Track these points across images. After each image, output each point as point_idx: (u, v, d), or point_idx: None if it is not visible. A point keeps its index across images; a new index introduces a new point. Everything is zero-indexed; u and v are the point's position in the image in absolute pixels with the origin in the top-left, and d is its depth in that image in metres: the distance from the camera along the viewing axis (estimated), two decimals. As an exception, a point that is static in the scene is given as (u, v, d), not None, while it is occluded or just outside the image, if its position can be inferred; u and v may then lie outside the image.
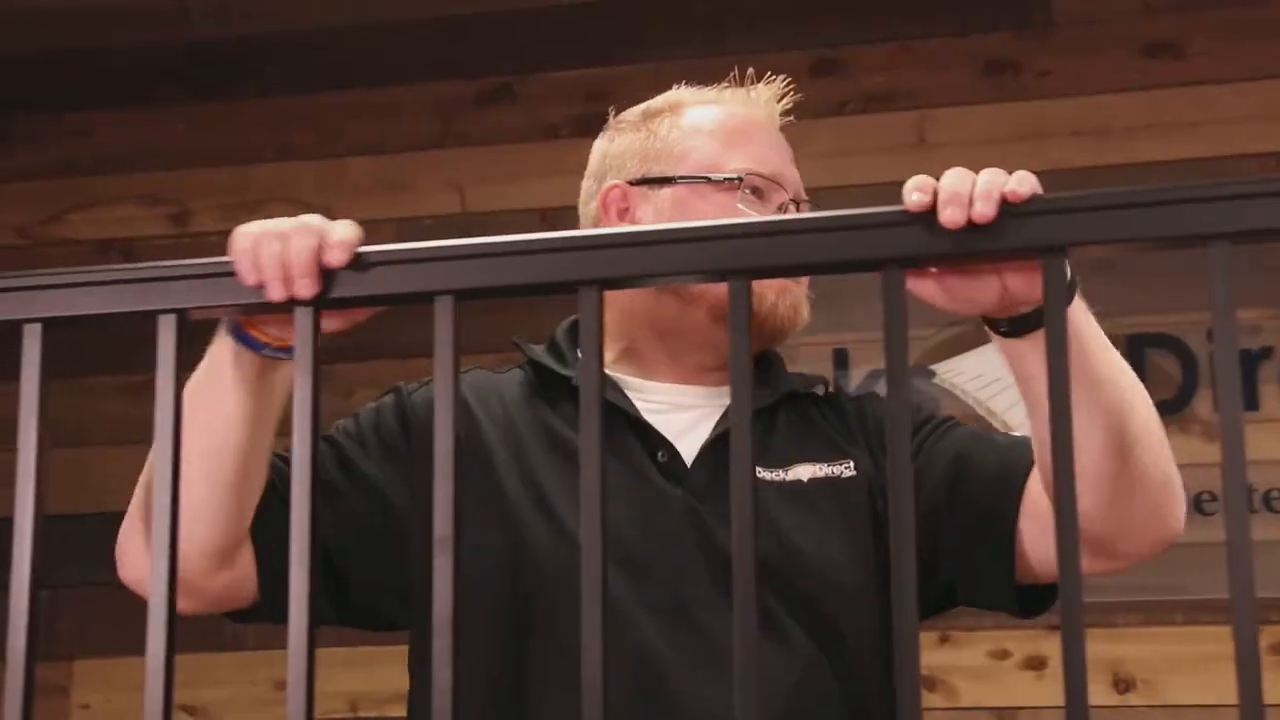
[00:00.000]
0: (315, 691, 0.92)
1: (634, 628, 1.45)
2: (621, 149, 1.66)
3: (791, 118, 1.71)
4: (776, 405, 1.60)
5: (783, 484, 1.53)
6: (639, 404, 1.57)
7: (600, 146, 1.70)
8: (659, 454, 1.54)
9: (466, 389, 1.58)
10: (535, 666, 1.46)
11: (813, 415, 1.61)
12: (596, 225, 1.66)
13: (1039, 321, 1.22)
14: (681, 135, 1.63)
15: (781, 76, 1.71)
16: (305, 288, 1.07)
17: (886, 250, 0.92)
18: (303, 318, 0.99)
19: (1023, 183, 1.03)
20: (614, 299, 1.57)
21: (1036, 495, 1.47)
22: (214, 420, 1.34)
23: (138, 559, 1.39)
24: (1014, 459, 1.51)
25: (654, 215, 1.61)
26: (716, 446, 1.53)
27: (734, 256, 0.93)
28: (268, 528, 1.42)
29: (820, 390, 1.64)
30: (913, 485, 0.88)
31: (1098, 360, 1.31)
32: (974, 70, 3.43)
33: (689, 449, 1.55)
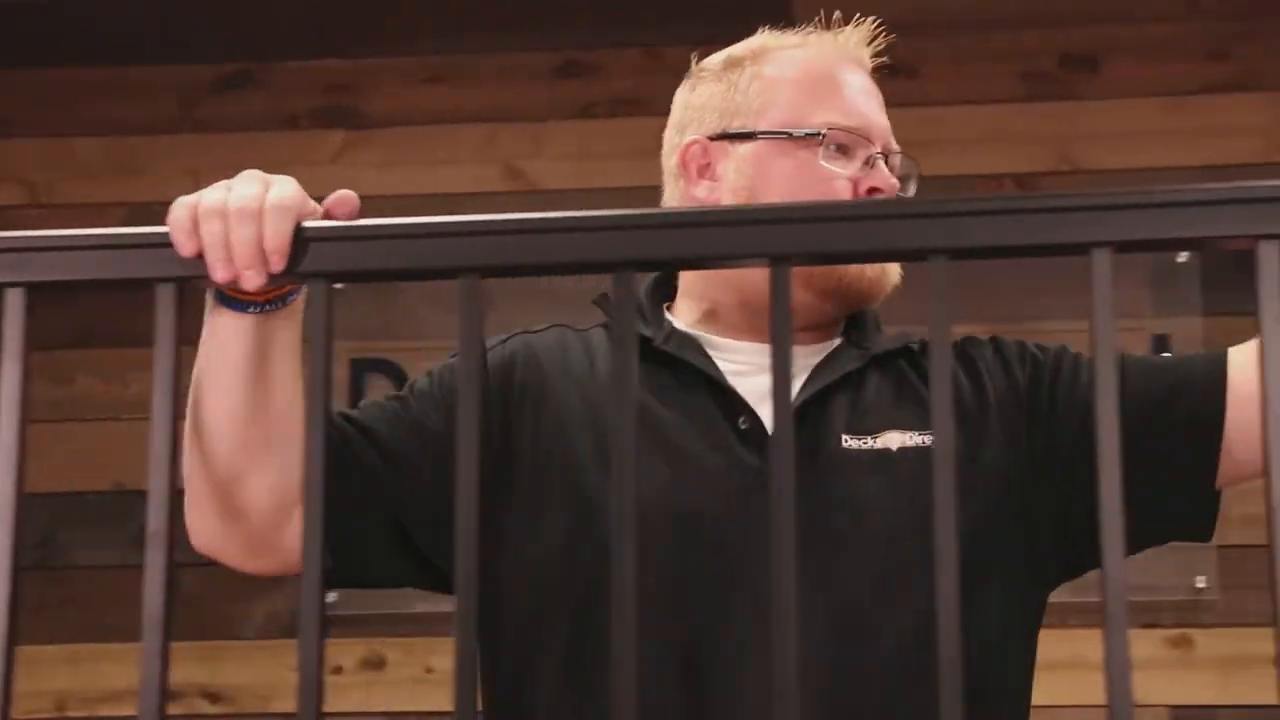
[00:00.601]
0: (14, 692, 0.88)
1: (696, 599, 1.40)
2: (702, 100, 1.59)
3: (885, 58, 1.61)
4: (866, 367, 1.51)
5: (869, 451, 1.45)
6: (722, 365, 1.50)
7: (681, 96, 1.62)
8: (740, 420, 1.46)
9: (545, 345, 1.53)
10: (599, 634, 1.39)
11: (908, 377, 1.52)
12: (676, 181, 1.59)
13: None
14: (762, 86, 1.55)
15: (873, 18, 1.61)
16: (250, 279, 1.07)
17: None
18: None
19: None
20: None
21: (1248, 386, 1.41)
22: (233, 387, 1.32)
23: (198, 527, 1.38)
24: (1197, 363, 1.48)
25: (734, 173, 1.54)
26: (801, 414, 1.45)
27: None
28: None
29: (915, 345, 1.55)
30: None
31: None
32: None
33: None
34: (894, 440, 1.45)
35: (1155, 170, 3.37)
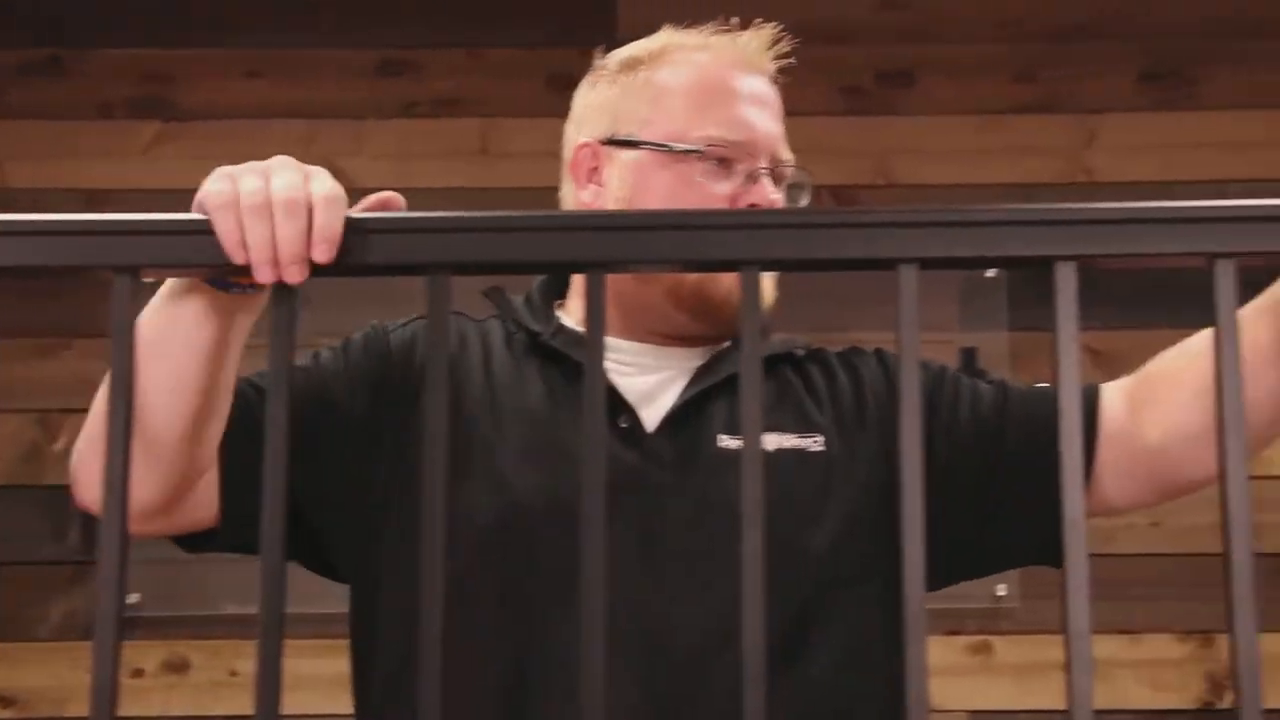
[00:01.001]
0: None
1: (570, 605, 1.38)
2: (597, 101, 1.57)
3: (792, 60, 1.60)
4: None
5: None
6: (611, 363, 1.46)
7: (580, 93, 1.60)
8: (620, 419, 1.46)
9: (452, 334, 1.50)
10: (526, 634, 1.40)
11: (790, 381, 1.53)
12: (568, 180, 1.58)
13: None
14: (653, 94, 1.53)
15: (774, 24, 1.60)
16: (294, 274, 1.05)
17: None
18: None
19: None
20: None
21: (1117, 426, 1.45)
22: (177, 352, 1.28)
23: (92, 479, 1.30)
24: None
25: (617, 180, 1.53)
26: (680, 415, 1.47)
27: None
28: (233, 454, 1.35)
29: (800, 352, 1.56)
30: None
31: None
32: (540, 83, 3.47)
33: (653, 415, 1.48)
34: (770, 442, 1.46)
35: (967, 186, 3.45)
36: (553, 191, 3.69)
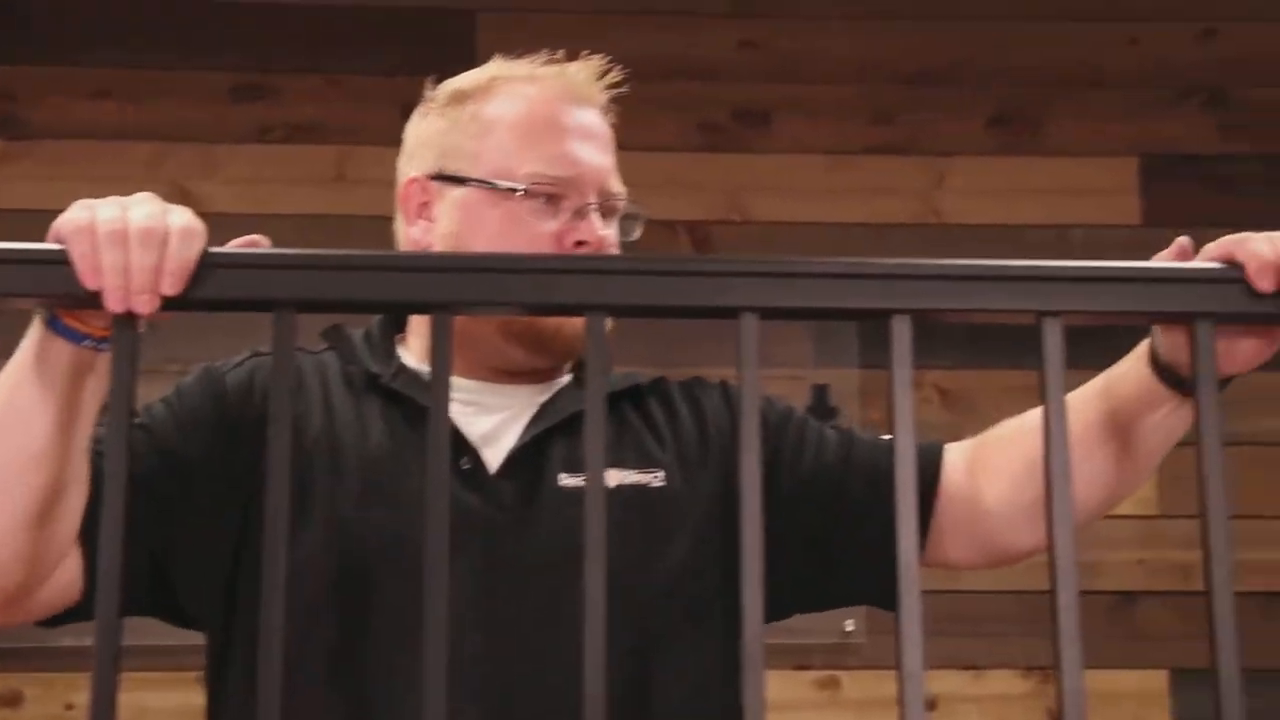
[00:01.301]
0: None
1: (407, 652, 1.35)
2: (427, 134, 1.55)
3: (625, 88, 1.60)
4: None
5: (584, 489, 1.45)
6: (454, 402, 1.45)
7: (411, 125, 1.58)
8: (463, 460, 1.45)
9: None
10: (359, 671, 1.37)
11: (630, 417, 1.53)
12: (399, 214, 1.55)
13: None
14: (480, 128, 1.52)
15: (603, 56, 1.59)
16: (144, 304, 1.03)
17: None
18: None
19: None
20: None
21: (956, 485, 1.48)
22: (27, 425, 1.22)
23: None
24: (920, 454, 1.53)
25: (446, 217, 1.51)
26: (521, 455, 1.46)
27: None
28: (96, 528, 1.29)
29: (645, 382, 1.56)
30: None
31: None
32: (397, 110, 3.45)
33: (495, 456, 1.46)
34: (612, 478, 1.44)
35: (821, 225, 3.50)
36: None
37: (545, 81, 1.55)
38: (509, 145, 1.51)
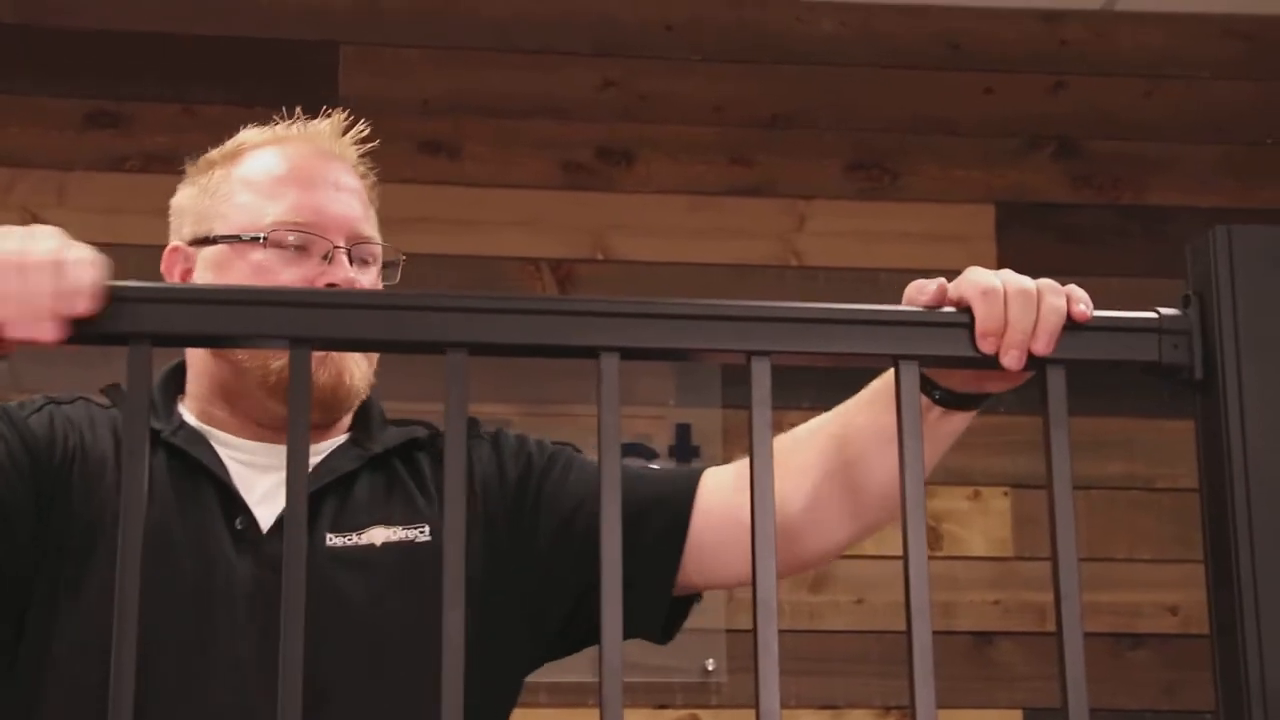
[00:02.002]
0: None
1: (189, 701, 1.39)
2: (182, 203, 1.60)
3: (374, 144, 1.63)
4: (362, 466, 1.53)
5: (353, 548, 1.48)
6: (229, 461, 1.51)
7: (175, 197, 1.62)
8: (237, 520, 1.48)
9: (76, 419, 1.48)
10: None
11: (399, 473, 1.55)
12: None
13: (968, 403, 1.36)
14: (229, 190, 1.56)
15: (345, 111, 1.63)
16: (47, 331, 1.03)
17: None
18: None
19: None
20: (190, 355, 1.52)
21: (718, 503, 1.49)
22: None
23: None
24: (675, 478, 1.54)
25: (202, 278, 1.54)
26: None
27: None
28: None
29: (424, 435, 1.58)
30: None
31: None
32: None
33: (268, 515, 1.47)
34: (378, 536, 1.49)
35: (681, 265, 3.52)
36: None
37: (290, 141, 1.60)
38: (254, 201, 1.55)
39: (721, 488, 1.53)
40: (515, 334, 0.87)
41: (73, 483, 1.46)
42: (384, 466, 1.55)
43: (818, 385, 3.34)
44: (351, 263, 1.53)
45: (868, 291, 3.44)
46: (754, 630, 0.96)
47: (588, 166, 3.60)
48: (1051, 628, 0.99)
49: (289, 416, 0.91)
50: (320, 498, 1.50)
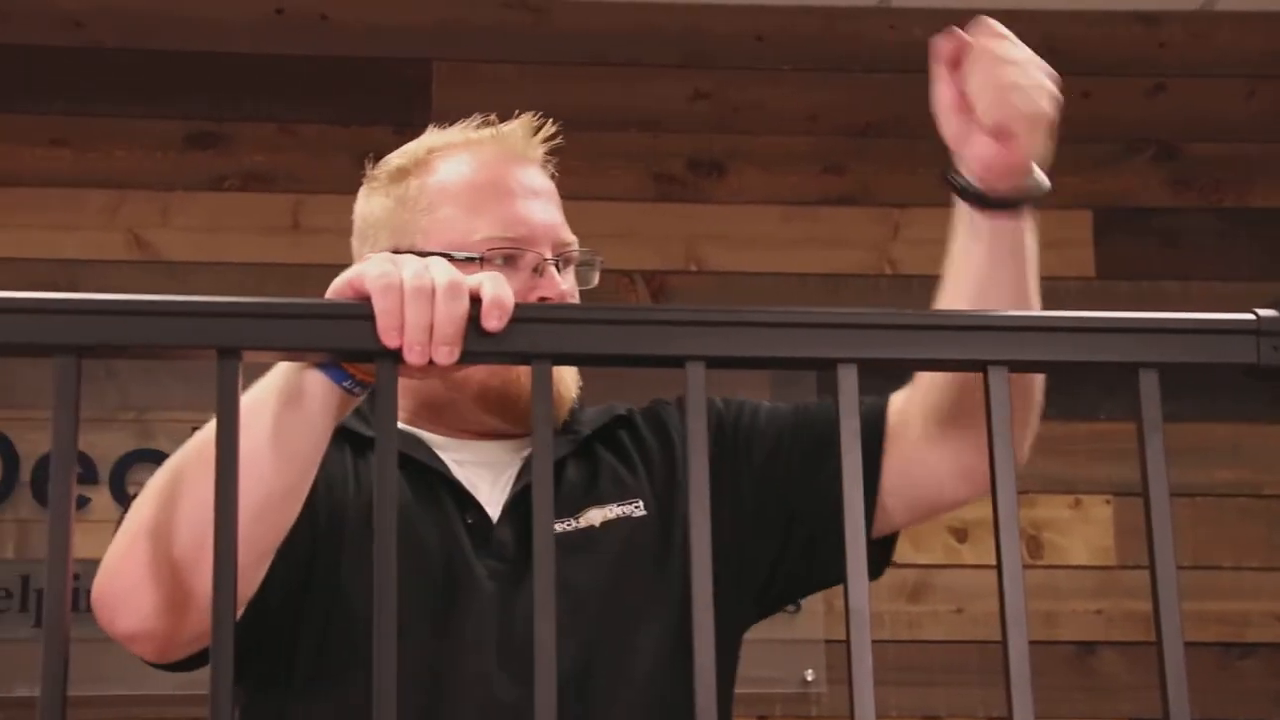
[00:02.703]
0: None
1: (444, 702, 1.42)
2: (375, 214, 1.57)
3: (559, 141, 1.61)
4: (569, 453, 1.54)
5: (573, 533, 1.49)
6: (448, 460, 1.52)
7: (358, 204, 1.60)
8: (467, 516, 1.50)
9: None
10: None
11: (602, 455, 1.56)
12: None
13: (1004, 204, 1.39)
14: (427, 203, 1.53)
15: (536, 111, 1.60)
16: (447, 355, 1.06)
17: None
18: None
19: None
20: None
21: (901, 431, 1.48)
22: (296, 460, 1.25)
23: (137, 602, 1.28)
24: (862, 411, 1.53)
25: None
26: (517, 504, 1.50)
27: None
28: None
29: (624, 411, 1.60)
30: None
31: (1029, 268, 1.42)
32: (352, 160, 3.45)
33: (495, 508, 1.50)
34: (596, 516, 1.50)
35: (774, 275, 3.51)
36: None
37: (481, 145, 1.57)
38: (458, 215, 1.52)
39: (910, 411, 1.50)
40: (601, 344, 0.88)
41: (318, 492, 1.47)
42: (587, 451, 1.56)
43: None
44: (558, 270, 1.53)
45: (964, 299, 3.41)
46: (847, 639, 0.95)
47: (679, 178, 3.60)
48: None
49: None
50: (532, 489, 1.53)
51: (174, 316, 0.96)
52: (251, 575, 1.29)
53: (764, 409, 1.60)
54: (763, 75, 3.66)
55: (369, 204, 1.59)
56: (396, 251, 1.51)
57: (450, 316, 1.08)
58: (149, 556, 1.28)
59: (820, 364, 0.87)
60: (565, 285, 1.54)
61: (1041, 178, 1.43)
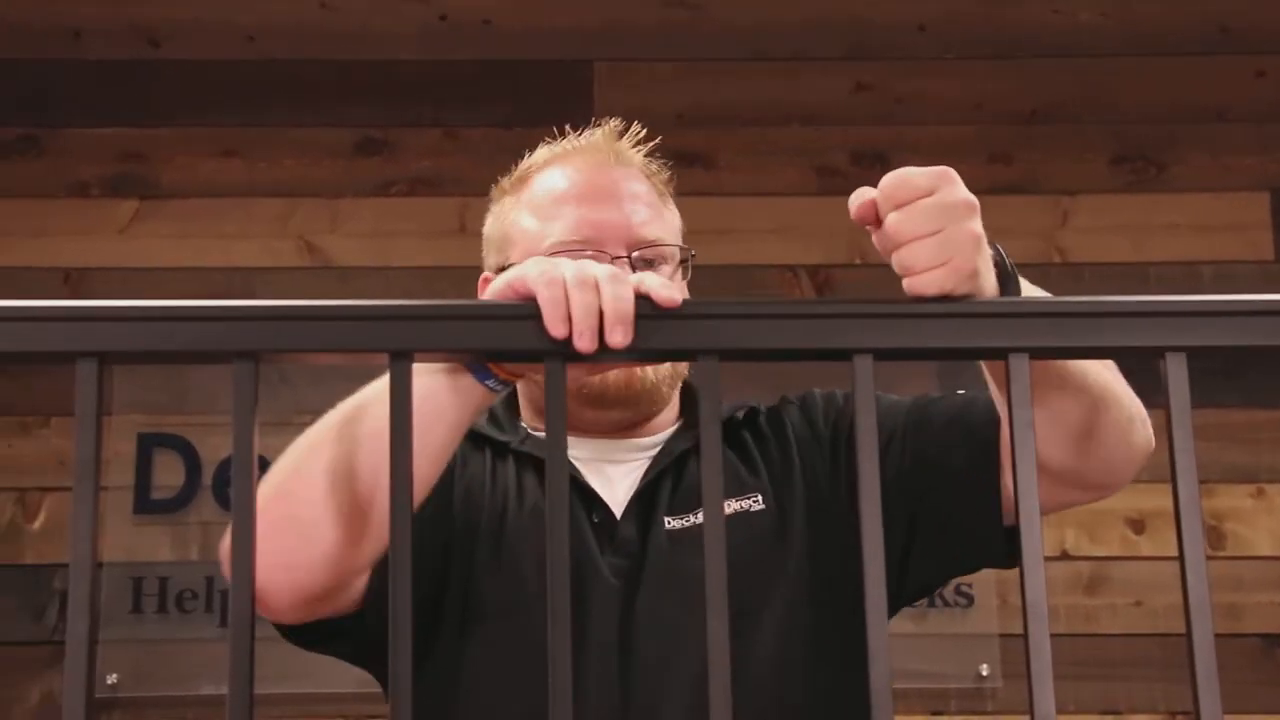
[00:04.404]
0: None
1: (574, 702, 1.45)
2: (487, 233, 1.64)
3: (655, 142, 1.64)
4: (690, 448, 1.57)
5: (691, 528, 1.51)
6: (574, 460, 1.54)
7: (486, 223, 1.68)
8: (594, 514, 1.53)
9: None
10: None
11: (723, 450, 1.59)
12: None
13: None
14: (515, 218, 1.59)
15: (615, 119, 1.64)
16: (620, 336, 1.07)
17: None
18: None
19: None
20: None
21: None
22: (436, 448, 1.31)
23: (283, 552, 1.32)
24: (977, 405, 1.52)
25: None
26: (637, 503, 1.54)
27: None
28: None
29: (741, 415, 1.62)
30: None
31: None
32: (517, 162, 3.49)
33: (617, 506, 1.54)
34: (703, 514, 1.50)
35: (941, 266, 3.47)
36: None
37: (571, 156, 1.61)
38: (536, 224, 1.56)
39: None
40: (767, 339, 0.87)
41: (457, 493, 1.53)
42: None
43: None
44: (635, 268, 1.52)
45: (1137, 287, 3.34)
46: (1024, 633, 0.94)
47: (842, 171, 3.58)
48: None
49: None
50: (656, 483, 1.55)
51: (346, 321, 0.97)
52: (367, 551, 1.34)
53: (883, 402, 1.57)
54: (925, 65, 3.62)
55: (486, 222, 1.66)
56: (502, 268, 1.57)
57: (618, 297, 1.09)
58: (275, 515, 1.32)
59: (991, 354, 0.86)
60: (652, 281, 1.55)
61: (990, 288, 1.28)
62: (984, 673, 3.32)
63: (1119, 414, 1.41)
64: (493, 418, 1.63)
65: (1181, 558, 0.90)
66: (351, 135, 3.57)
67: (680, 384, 1.63)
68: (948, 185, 1.22)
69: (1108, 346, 0.86)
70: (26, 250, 3.46)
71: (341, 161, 3.56)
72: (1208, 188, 3.53)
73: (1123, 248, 3.50)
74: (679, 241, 1.61)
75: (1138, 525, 3.38)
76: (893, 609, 1.59)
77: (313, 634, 1.46)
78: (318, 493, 1.33)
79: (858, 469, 0.86)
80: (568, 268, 1.14)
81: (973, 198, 1.24)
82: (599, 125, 1.63)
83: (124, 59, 3.58)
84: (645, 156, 1.63)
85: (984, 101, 3.60)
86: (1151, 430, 1.44)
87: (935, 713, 3.32)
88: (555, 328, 1.07)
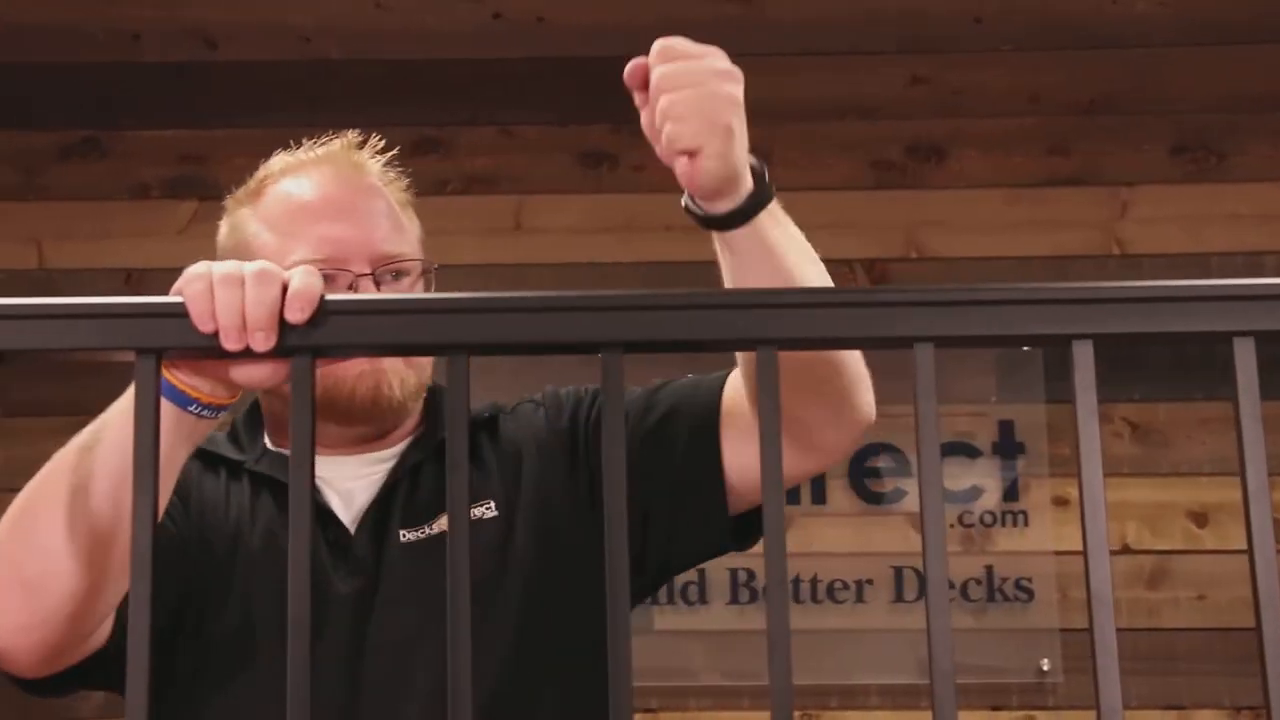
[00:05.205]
0: None
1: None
2: (219, 240, 1.61)
3: (394, 152, 1.63)
4: (425, 458, 1.55)
5: (426, 539, 1.49)
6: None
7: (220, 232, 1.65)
8: (327, 532, 1.51)
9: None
10: None
11: None
12: None
13: (733, 220, 1.35)
14: (255, 231, 1.56)
15: (355, 131, 1.63)
16: (262, 341, 1.04)
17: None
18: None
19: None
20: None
21: (737, 411, 1.46)
22: (117, 491, 1.23)
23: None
24: (699, 391, 1.51)
25: None
26: (371, 518, 1.51)
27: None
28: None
29: (486, 414, 1.59)
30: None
31: (788, 260, 1.38)
32: (571, 160, 3.50)
33: (352, 523, 1.52)
34: (443, 522, 1.48)
35: (998, 259, 3.45)
36: (586, 267, 3.69)
37: (308, 168, 1.59)
38: (273, 241, 1.53)
39: (743, 389, 1.47)
40: (827, 328, 0.87)
41: (190, 525, 1.50)
42: (442, 455, 1.54)
43: (1149, 380, 3.26)
44: (379, 285, 1.52)
45: (1197, 277, 3.31)
46: (1090, 626, 0.93)
47: (898, 165, 3.56)
48: None
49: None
50: (390, 496, 1.53)
51: (412, 315, 0.97)
52: (109, 596, 1.29)
53: (639, 391, 1.56)
54: (982, 57, 3.60)
55: (221, 230, 1.62)
56: None
57: (259, 300, 1.07)
58: (4, 576, 1.29)
59: (1053, 340, 0.85)
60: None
61: (745, 181, 1.36)
62: (1045, 667, 3.30)
63: (855, 368, 1.40)
64: (234, 435, 1.59)
65: (1250, 549, 0.89)
66: (407, 134, 3.56)
67: (424, 393, 1.59)
68: (716, 54, 1.32)
69: (1174, 332, 0.85)
70: (89, 252, 3.49)
71: (397, 160, 3.56)
72: (1270, 177, 3.49)
73: (1183, 239, 3.47)
74: (420, 253, 1.59)
75: (1200, 519, 3.35)
76: (636, 598, 1.58)
77: (59, 682, 1.40)
78: (53, 541, 1.26)
79: (919, 465, 0.85)
80: (219, 266, 1.12)
81: (738, 70, 1.32)
82: (336, 136, 1.61)
83: (182, 61, 3.61)
84: (385, 166, 1.62)
85: (1041, 93, 3.57)
86: (873, 397, 1.44)
87: (995, 708, 3.30)
88: (201, 323, 1.06)
